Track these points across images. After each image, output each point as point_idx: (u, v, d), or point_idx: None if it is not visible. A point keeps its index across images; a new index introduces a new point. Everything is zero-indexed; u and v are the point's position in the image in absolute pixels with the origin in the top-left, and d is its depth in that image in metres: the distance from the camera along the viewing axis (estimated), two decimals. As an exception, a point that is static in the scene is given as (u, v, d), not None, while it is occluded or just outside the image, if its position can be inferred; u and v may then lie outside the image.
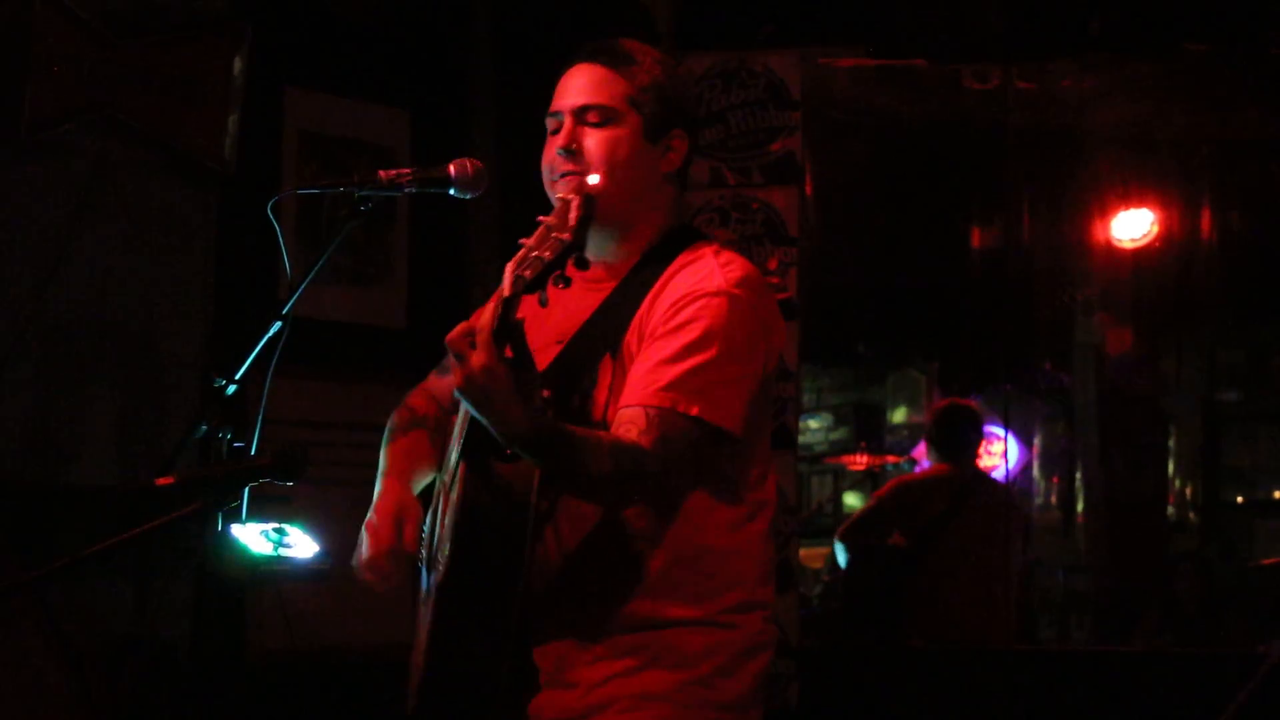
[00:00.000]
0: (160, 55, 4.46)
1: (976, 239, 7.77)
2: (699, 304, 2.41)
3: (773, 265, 5.41)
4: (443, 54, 5.30)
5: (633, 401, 2.36)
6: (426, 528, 2.64)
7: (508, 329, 2.17)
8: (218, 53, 4.56)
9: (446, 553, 2.34)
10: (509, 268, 2.16)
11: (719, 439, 2.40)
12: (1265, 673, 4.32)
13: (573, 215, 2.17)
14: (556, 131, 2.56)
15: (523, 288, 2.13)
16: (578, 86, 2.55)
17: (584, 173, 2.50)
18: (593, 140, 2.52)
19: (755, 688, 2.52)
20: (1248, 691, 4.21)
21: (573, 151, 2.52)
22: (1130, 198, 7.57)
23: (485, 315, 2.18)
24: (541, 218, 2.20)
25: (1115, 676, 5.62)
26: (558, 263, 2.14)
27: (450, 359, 2.64)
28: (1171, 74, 6.32)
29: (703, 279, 2.45)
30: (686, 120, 2.60)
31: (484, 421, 2.22)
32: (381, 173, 2.59)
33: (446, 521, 2.43)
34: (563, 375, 2.44)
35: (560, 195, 2.25)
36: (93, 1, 4.34)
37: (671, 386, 2.35)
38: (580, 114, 2.53)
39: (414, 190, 2.62)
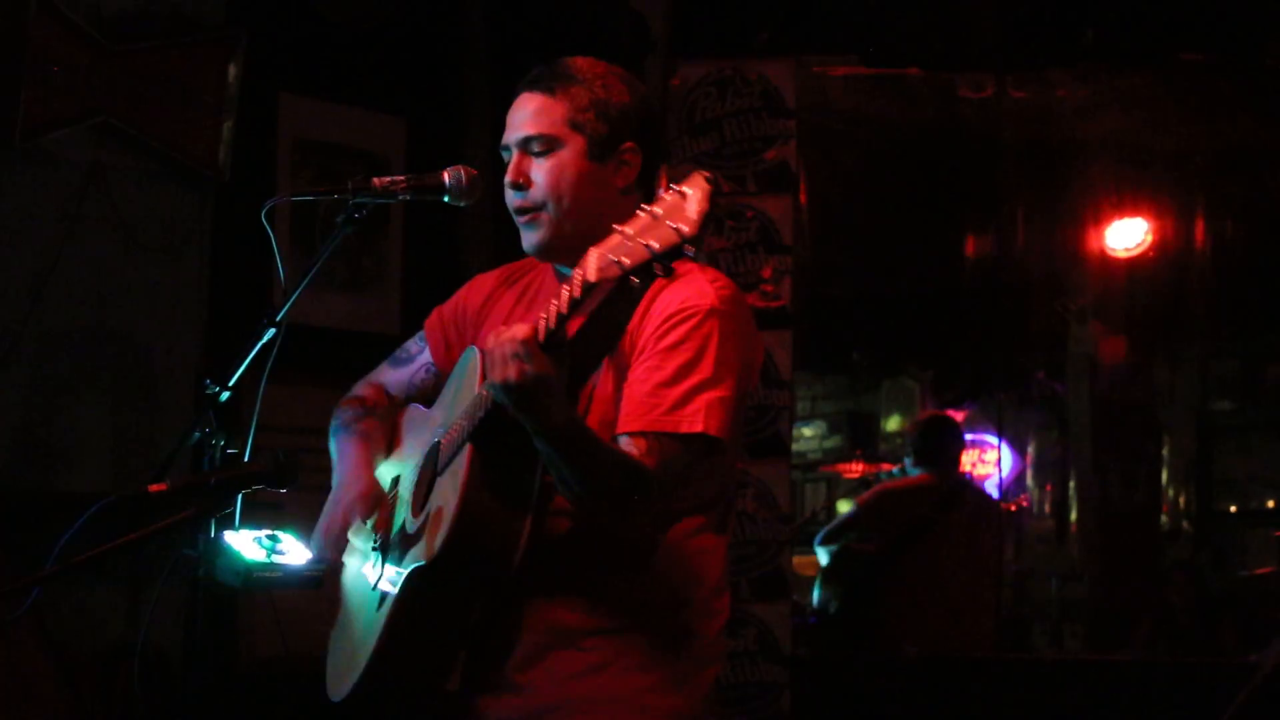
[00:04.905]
0: (155, 61, 4.46)
1: (971, 248, 7.79)
2: (691, 322, 2.42)
3: (767, 273, 5.41)
4: (438, 61, 5.30)
5: (635, 428, 2.38)
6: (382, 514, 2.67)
7: (563, 326, 2.20)
8: (213, 59, 4.57)
9: (442, 536, 2.35)
10: (595, 250, 2.13)
11: (712, 450, 2.43)
12: (1258, 682, 4.33)
13: (697, 207, 2.07)
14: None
15: (619, 272, 2.10)
16: (520, 119, 2.55)
17: (534, 206, 2.52)
18: (538, 171, 2.53)
19: (708, 696, 2.53)
20: (1240, 701, 4.22)
21: (520, 185, 2.53)
22: (1124, 207, 7.59)
23: (558, 302, 2.20)
24: (644, 206, 2.11)
25: (1108, 685, 5.62)
26: (671, 254, 2.07)
27: (476, 359, 2.62)
28: (1166, 84, 6.35)
29: (694, 294, 2.46)
30: (639, 130, 2.57)
31: (522, 417, 2.24)
32: (376, 180, 2.60)
33: (433, 507, 2.45)
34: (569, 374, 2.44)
35: (675, 188, 2.10)
36: (88, 8, 4.34)
37: (673, 410, 2.38)
38: (525, 146, 2.54)
39: (408, 198, 2.63)
